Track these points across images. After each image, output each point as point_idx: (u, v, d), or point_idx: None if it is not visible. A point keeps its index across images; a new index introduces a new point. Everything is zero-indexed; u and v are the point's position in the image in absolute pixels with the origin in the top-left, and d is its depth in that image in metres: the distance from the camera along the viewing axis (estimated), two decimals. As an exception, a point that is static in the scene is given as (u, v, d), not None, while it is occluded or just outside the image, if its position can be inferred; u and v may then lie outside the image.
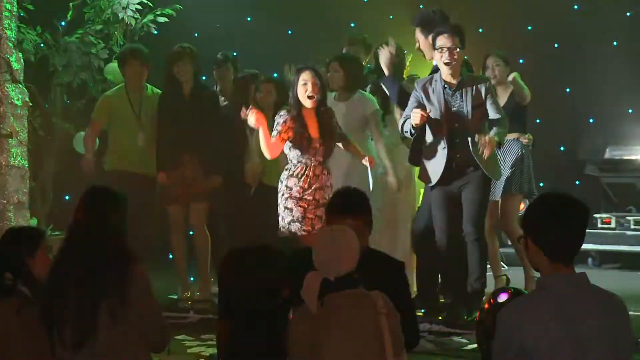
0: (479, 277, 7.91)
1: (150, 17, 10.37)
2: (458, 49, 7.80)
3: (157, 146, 9.02)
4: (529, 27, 12.51)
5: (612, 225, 11.32)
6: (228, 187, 9.15)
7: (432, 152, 7.90)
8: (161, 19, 10.24)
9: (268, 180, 8.87)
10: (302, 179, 7.56)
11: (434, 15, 8.45)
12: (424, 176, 8.01)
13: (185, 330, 7.98)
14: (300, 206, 7.51)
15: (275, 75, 10.00)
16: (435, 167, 7.87)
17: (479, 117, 7.80)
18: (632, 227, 11.28)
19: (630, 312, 4.14)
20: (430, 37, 8.21)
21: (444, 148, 7.80)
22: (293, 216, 7.52)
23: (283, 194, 7.59)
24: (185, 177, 8.97)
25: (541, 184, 10.61)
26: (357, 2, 12.38)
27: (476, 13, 11.77)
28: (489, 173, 7.82)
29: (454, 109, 7.80)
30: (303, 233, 7.46)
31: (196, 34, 11.19)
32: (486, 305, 5.53)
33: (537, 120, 10.79)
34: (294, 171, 7.60)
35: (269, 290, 4.35)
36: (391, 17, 11.61)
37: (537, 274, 4.08)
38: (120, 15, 10.11)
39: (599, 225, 11.33)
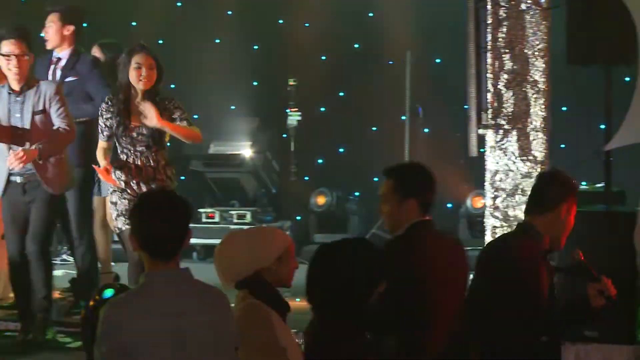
0: (46, 295, 7.61)
1: None
2: (26, 56, 7.47)
3: None
4: (133, 23, 12.51)
5: (216, 219, 11.55)
6: None
7: None
8: None
9: None
10: (124, 170, 7.07)
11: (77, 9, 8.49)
12: None
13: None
14: (124, 199, 7.03)
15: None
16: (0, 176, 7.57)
17: (42, 126, 7.46)
18: (235, 221, 11.56)
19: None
20: (66, 28, 8.28)
21: (6, 157, 7.45)
22: (118, 210, 7.05)
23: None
24: None
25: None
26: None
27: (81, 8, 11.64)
28: (49, 187, 7.53)
29: (17, 115, 7.46)
30: (127, 227, 6.87)
31: None
32: (91, 302, 5.44)
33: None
34: (115, 163, 7.11)
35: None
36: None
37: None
38: None
39: (203, 220, 11.52)
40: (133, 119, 7.13)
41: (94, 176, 8.39)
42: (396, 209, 4.97)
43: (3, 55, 7.46)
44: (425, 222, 4.99)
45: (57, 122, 7.45)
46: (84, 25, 8.60)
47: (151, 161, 7.12)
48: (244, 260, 4.34)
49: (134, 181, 7.11)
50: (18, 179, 7.50)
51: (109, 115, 7.16)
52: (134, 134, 7.11)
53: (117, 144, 7.21)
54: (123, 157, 7.16)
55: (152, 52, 7.20)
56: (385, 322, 4.62)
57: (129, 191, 7.09)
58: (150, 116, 6.96)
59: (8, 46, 7.44)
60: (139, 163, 7.11)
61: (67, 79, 8.30)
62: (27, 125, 7.42)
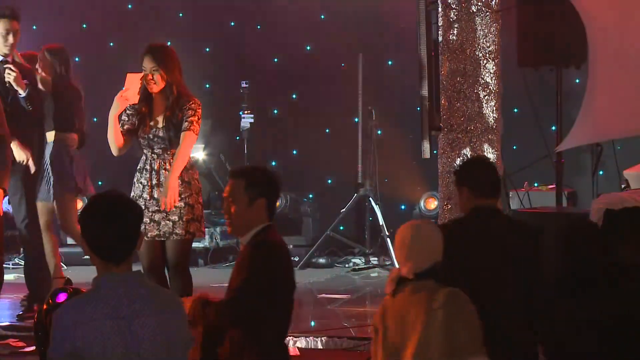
0: None
1: None
2: None
3: None
4: (84, 25, 12.45)
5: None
6: None
7: None
8: None
9: None
10: (143, 174, 6.85)
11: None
12: None
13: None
14: (141, 204, 6.67)
15: None
16: None
17: None
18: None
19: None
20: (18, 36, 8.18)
21: None
22: None
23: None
24: None
25: (100, 183, 10.60)
26: None
27: (30, 10, 11.57)
28: None
29: None
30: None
31: None
32: (44, 306, 5.42)
33: (95, 119, 10.73)
34: (139, 165, 6.90)
35: None
36: None
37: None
38: None
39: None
40: (153, 119, 6.92)
41: (39, 181, 8.38)
42: (247, 209, 5.06)
43: None
44: (271, 227, 5.11)
45: None
46: (34, 27, 8.53)
47: (167, 164, 6.87)
48: (436, 252, 4.63)
49: (150, 184, 6.86)
50: None
51: (131, 111, 6.95)
52: (150, 135, 6.90)
53: (139, 144, 7.01)
54: (143, 158, 6.96)
55: (156, 53, 6.94)
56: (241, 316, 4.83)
57: (144, 195, 6.83)
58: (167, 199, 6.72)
59: None
60: (155, 166, 6.88)
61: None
62: None
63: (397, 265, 10.97)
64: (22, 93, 8.06)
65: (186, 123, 6.83)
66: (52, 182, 8.30)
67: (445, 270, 5.03)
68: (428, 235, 4.65)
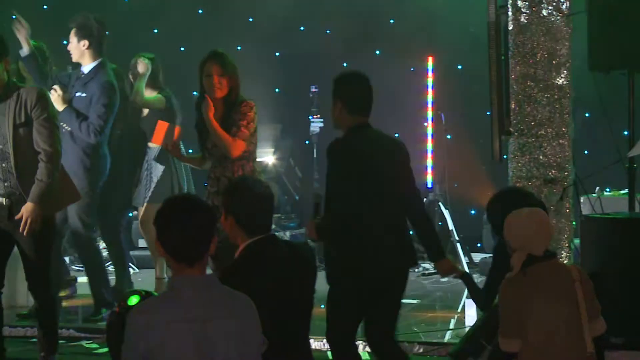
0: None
1: None
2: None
3: None
4: (155, 30, 12.56)
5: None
6: None
7: None
8: None
9: None
10: (208, 182, 6.88)
11: (94, 24, 8.46)
12: None
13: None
14: None
15: None
16: None
17: (24, 137, 6.48)
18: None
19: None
20: (82, 43, 8.33)
21: None
22: None
23: None
24: None
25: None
26: None
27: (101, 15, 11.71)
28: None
29: None
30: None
31: None
32: (117, 309, 5.47)
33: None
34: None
35: None
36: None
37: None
38: None
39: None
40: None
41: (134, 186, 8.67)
42: (225, 225, 4.87)
43: None
44: (248, 249, 4.85)
45: (38, 141, 6.49)
46: (107, 33, 8.64)
47: (226, 172, 6.77)
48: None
49: (212, 190, 6.79)
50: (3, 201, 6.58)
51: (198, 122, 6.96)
52: (209, 145, 6.87)
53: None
54: (210, 166, 6.93)
55: (222, 59, 6.91)
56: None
57: (208, 202, 6.64)
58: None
59: None
60: (216, 174, 6.82)
61: (77, 94, 8.30)
62: (9, 142, 6.46)
63: (466, 268, 10.94)
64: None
65: (234, 128, 6.78)
66: (152, 186, 8.56)
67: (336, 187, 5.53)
68: (548, 218, 5.04)
